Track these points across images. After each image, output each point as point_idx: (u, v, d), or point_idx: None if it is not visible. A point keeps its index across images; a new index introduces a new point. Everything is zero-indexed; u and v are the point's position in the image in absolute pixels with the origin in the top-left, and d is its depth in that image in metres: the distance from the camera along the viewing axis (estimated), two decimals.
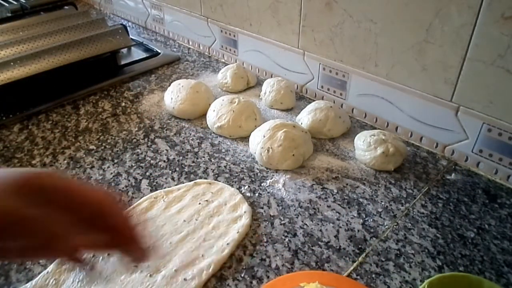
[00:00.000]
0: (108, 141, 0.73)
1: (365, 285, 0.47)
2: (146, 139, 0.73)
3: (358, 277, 0.48)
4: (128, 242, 0.34)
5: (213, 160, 0.68)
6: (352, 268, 0.49)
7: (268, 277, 0.48)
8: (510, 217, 0.56)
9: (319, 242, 0.53)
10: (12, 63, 0.80)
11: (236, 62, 0.98)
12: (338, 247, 0.52)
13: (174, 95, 0.79)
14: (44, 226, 0.31)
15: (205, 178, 0.64)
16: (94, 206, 0.33)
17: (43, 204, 0.31)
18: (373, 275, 0.48)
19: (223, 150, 0.70)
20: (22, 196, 0.30)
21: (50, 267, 0.48)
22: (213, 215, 0.55)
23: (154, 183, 0.63)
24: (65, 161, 0.68)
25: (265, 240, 0.53)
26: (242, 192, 0.61)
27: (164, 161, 0.68)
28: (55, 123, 0.78)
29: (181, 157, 0.69)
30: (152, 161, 0.68)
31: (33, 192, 0.31)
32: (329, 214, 0.57)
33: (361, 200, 0.59)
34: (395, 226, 0.55)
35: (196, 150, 0.70)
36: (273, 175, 0.64)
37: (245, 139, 0.72)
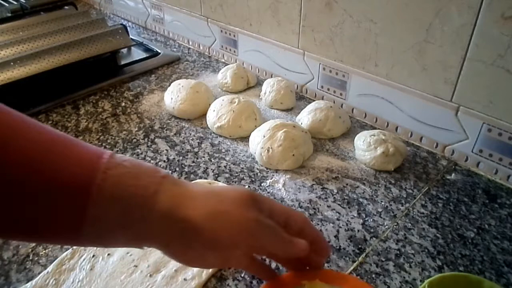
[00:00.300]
0: (108, 141, 0.73)
1: (365, 282, 0.47)
2: (146, 139, 0.73)
3: (358, 277, 0.48)
4: (323, 251, 0.41)
5: (213, 160, 0.68)
6: (352, 268, 0.49)
7: None
8: (510, 217, 0.56)
9: None
10: (12, 63, 0.80)
11: (236, 62, 0.98)
12: (338, 247, 0.52)
13: (174, 95, 0.79)
14: (278, 231, 0.36)
15: (205, 178, 0.64)
16: (299, 219, 0.39)
17: (266, 216, 0.36)
18: (373, 275, 0.48)
19: (223, 150, 0.70)
20: (254, 209, 0.36)
21: (50, 267, 0.48)
22: None
23: None
24: None
25: None
26: None
27: (164, 161, 0.68)
28: (55, 123, 0.78)
29: (181, 157, 0.69)
30: (152, 161, 0.68)
31: (258, 206, 0.36)
32: (329, 214, 0.57)
33: (361, 200, 0.59)
34: (395, 226, 0.55)
35: (196, 150, 0.70)
36: (273, 175, 0.64)
37: (245, 139, 0.72)
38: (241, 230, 0.35)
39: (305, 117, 0.73)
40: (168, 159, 0.68)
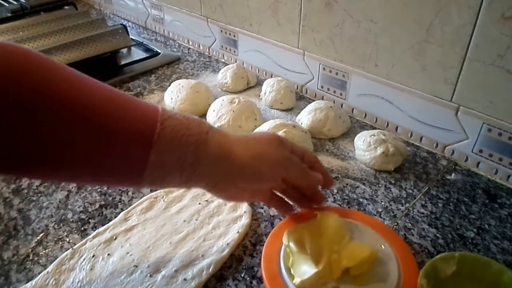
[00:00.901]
0: None
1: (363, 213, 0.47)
2: None
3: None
4: (329, 182, 0.51)
5: None
6: None
7: None
8: (510, 217, 0.56)
9: None
10: None
11: (236, 62, 0.98)
12: None
13: (174, 95, 0.79)
14: (303, 166, 0.46)
15: None
16: (311, 156, 0.48)
17: (291, 152, 0.46)
18: None
19: None
20: (284, 148, 0.45)
21: (50, 267, 0.48)
22: (213, 215, 0.55)
23: None
24: None
25: (265, 240, 0.53)
26: None
27: None
28: None
29: None
30: None
31: (284, 145, 0.45)
32: None
33: (361, 200, 0.59)
34: (395, 226, 0.55)
35: None
36: None
37: None
38: (278, 165, 0.43)
39: (305, 117, 0.73)
40: None
